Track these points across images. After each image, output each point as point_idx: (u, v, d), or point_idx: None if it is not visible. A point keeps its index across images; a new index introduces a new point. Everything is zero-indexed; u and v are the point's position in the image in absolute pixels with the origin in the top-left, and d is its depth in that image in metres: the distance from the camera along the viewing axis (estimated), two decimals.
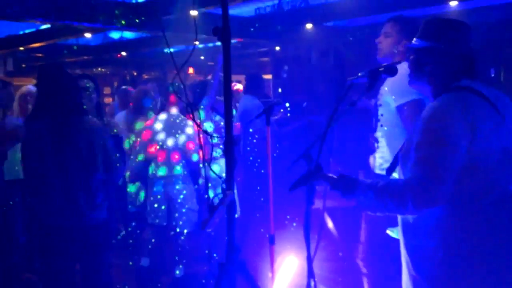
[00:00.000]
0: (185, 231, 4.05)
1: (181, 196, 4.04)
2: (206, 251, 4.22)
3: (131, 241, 4.67)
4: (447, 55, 1.91)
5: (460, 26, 1.96)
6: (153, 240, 4.21)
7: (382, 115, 2.85)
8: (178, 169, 4.02)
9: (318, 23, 6.94)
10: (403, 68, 2.23)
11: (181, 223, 4.04)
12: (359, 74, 2.07)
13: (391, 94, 2.73)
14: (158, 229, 4.23)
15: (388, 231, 2.68)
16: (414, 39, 2.01)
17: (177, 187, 4.03)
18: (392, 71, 2.05)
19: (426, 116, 1.83)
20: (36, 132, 2.73)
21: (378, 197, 1.84)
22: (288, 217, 4.40)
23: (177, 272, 4.14)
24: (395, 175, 2.07)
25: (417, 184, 1.75)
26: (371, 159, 3.05)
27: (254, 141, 4.90)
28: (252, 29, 7.20)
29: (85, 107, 3.12)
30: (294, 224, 3.79)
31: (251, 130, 4.90)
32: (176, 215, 4.04)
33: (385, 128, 2.81)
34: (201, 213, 4.14)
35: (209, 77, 4.58)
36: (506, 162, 1.84)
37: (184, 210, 4.03)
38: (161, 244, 4.31)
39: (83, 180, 2.75)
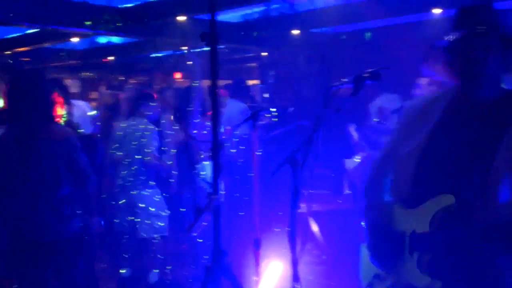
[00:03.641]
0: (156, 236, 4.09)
1: (145, 201, 4.10)
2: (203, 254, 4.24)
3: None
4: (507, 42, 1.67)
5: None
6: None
7: None
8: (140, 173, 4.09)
9: (304, 29, 7.00)
10: None
11: (147, 227, 4.10)
12: (344, 80, 2.09)
13: None
14: (131, 236, 4.26)
15: None
16: None
17: (139, 192, 4.09)
18: (376, 77, 2.07)
19: None
20: (2, 142, 2.64)
21: None
22: (280, 220, 4.43)
23: (150, 277, 4.16)
24: None
25: None
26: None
27: (239, 146, 4.92)
28: (239, 35, 7.23)
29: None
30: (277, 229, 3.82)
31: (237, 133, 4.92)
32: (139, 220, 4.10)
33: None
34: (172, 218, 4.19)
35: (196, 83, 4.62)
36: None
37: (146, 215, 4.09)
38: (138, 251, 4.32)
39: (46, 193, 2.62)
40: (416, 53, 3.44)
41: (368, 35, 7.38)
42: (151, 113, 4.28)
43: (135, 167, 4.11)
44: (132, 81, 7.30)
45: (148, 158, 4.05)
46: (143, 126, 4.14)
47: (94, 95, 13.01)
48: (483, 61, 1.67)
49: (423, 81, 4.44)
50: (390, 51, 6.68)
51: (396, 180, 1.91)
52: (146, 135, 4.09)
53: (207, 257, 3.60)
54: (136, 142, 4.10)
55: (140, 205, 4.11)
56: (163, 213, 4.17)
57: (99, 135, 4.82)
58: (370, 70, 2.09)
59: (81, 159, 2.73)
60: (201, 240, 3.74)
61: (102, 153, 4.10)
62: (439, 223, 1.70)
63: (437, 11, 5.56)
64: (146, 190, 4.13)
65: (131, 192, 4.12)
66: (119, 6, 6.22)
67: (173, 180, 4.54)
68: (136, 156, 4.12)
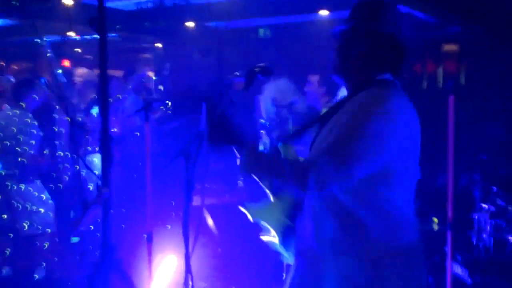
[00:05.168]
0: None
1: (24, 198, 3.87)
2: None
3: None
4: (376, 37, 1.72)
5: (396, 11, 1.79)
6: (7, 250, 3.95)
7: None
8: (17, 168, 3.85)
9: (199, 22, 6.98)
10: None
11: (27, 223, 3.86)
12: (236, 73, 2.12)
13: None
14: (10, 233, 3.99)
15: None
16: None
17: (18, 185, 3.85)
18: (267, 71, 2.13)
19: (366, 101, 1.62)
20: None
21: (275, 163, 1.68)
22: (173, 214, 4.36)
23: (36, 276, 3.93)
24: None
25: (329, 160, 1.56)
26: None
27: (132, 138, 4.78)
28: (132, 24, 6.99)
29: None
30: (169, 227, 3.79)
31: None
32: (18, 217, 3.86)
33: None
34: (59, 213, 3.99)
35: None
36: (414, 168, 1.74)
37: (26, 212, 3.87)
38: (20, 249, 4.04)
39: None
40: (306, 51, 3.59)
41: (261, 31, 7.55)
42: (31, 101, 3.98)
43: (11, 161, 3.82)
44: (14, 66, 6.72)
45: (24, 156, 3.79)
46: (18, 119, 3.85)
47: None
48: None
49: (314, 78, 4.66)
50: (283, 48, 6.92)
51: None
52: (23, 130, 3.82)
53: (96, 252, 3.47)
54: (11, 136, 3.80)
55: (19, 201, 3.84)
56: (44, 209, 3.93)
57: None
58: (261, 64, 2.14)
59: None
60: (96, 231, 3.58)
61: None
62: None
63: (324, 12, 5.88)
64: (25, 185, 3.86)
65: (8, 189, 3.83)
66: None
67: (54, 174, 4.29)
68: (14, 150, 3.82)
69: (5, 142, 3.81)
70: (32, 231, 3.86)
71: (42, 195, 3.96)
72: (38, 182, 3.97)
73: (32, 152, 3.82)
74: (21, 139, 3.79)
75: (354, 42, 1.75)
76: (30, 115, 3.92)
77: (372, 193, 1.65)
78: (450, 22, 6.32)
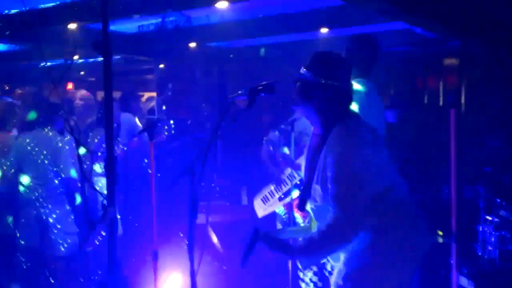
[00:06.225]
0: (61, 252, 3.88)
1: (54, 217, 3.90)
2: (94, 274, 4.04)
3: None
4: (333, 91, 2.08)
5: (344, 63, 2.16)
6: (24, 266, 3.96)
7: None
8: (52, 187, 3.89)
9: (201, 43, 7.07)
10: None
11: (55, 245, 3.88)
12: (239, 92, 2.17)
13: None
14: (30, 253, 4.00)
15: None
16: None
17: (50, 207, 3.89)
18: (270, 89, 2.17)
19: (337, 151, 1.98)
20: None
21: (318, 250, 2.08)
22: (181, 234, 4.39)
23: None
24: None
25: (342, 222, 1.98)
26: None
27: (136, 158, 4.82)
28: (135, 46, 7.09)
29: None
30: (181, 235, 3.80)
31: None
32: (52, 237, 3.88)
33: None
34: (81, 234, 4.00)
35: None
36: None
37: (56, 232, 3.89)
38: (35, 269, 4.05)
39: None
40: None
41: (262, 50, 7.64)
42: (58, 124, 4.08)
43: (48, 183, 3.88)
44: (19, 90, 6.80)
45: (71, 171, 3.86)
46: (54, 137, 3.95)
47: None
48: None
49: None
50: (285, 66, 6.99)
51: None
52: (61, 147, 3.90)
53: (101, 272, 3.47)
54: (49, 156, 3.88)
55: (53, 223, 3.88)
56: (72, 231, 3.98)
57: None
58: (264, 83, 2.19)
59: None
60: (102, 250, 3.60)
61: None
62: None
63: (324, 30, 5.95)
64: (60, 206, 3.92)
65: (41, 210, 3.87)
66: (4, 11, 5.80)
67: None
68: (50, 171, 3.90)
69: (44, 160, 3.86)
70: (62, 254, 3.88)
71: (71, 216, 3.99)
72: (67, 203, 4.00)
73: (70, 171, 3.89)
74: (61, 159, 3.88)
75: (310, 93, 2.10)
76: (60, 135, 4.00)
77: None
78: (449, 37, 6.37)
